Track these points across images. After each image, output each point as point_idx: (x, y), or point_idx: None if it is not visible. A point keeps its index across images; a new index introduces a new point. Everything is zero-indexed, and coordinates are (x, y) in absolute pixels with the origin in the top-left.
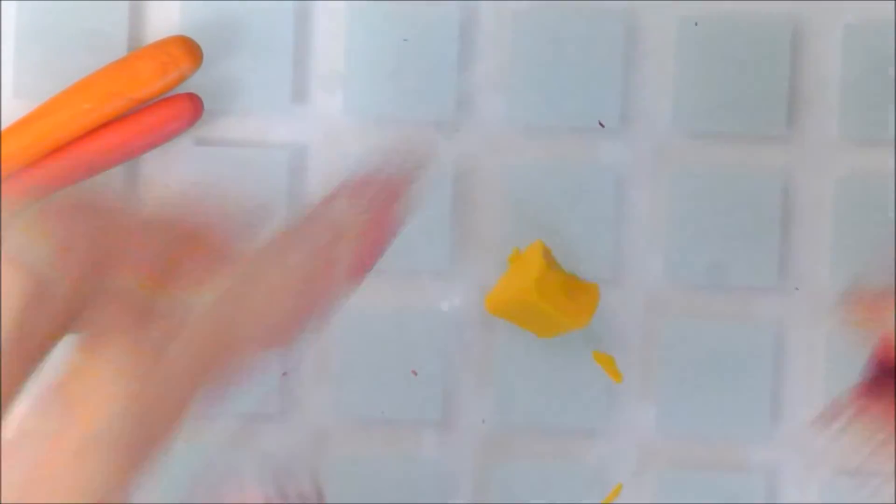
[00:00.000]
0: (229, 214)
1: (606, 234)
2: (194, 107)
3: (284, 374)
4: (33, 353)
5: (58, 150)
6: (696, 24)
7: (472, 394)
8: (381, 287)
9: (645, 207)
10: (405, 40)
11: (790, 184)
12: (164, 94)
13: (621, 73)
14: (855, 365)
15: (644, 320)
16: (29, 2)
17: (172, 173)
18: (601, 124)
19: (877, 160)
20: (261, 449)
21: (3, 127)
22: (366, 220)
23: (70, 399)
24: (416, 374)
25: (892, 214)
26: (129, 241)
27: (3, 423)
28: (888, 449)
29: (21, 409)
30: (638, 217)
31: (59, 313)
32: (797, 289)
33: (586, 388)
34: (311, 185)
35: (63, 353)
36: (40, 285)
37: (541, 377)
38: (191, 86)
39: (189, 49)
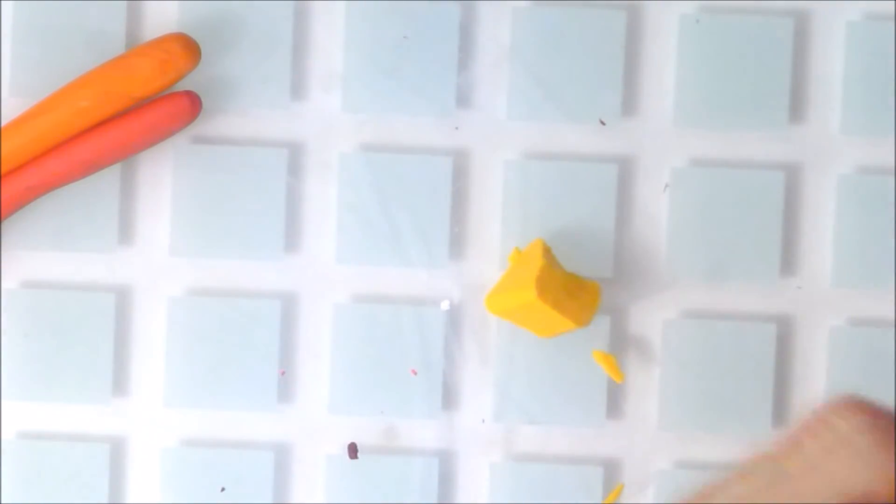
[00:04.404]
0: None
1: (607, 232)
2: (192, 105)
3: (283, 372)
4: None
5: (56, 148)
6: (697, 21)
7: (472, 394)
8: (380, 286)
9: (646, 205)
10: (405, 38)
11: (793, 180)
12: (163, 92)
13: (623, 69)
14: (856, 364)
15: (645, 319)
16: (26, 0)
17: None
18: (602, 122)
19: (879, 156)
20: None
21: (1, 125)
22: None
23: None
24: (415, 373)
25: (895, 210)
26: None
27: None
28: None
29: None
30: (639, 215)
31: None
32: (800, 287)
33: (586, 387)
34: (309, 183)
35: None
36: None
37: (541, 377)
38: (189, 83)
39: (187, 47)
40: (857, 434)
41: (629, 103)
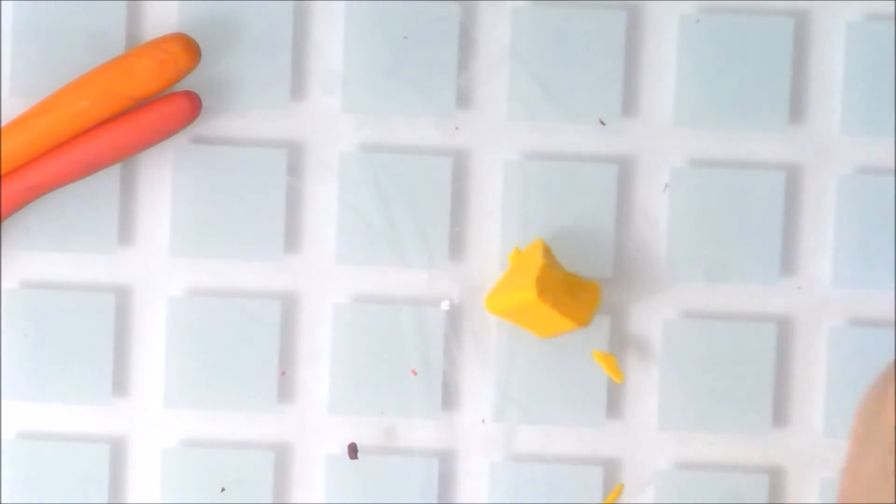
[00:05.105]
0: None
1: (607, 232)
2: (192, 105)
3: (283, 372)
4: None
5: (56, 148)
6: (697, 21)
7: (472, 394)
8: (380, 286)
9: (646, 205)
10: (405, 38)
11: (793, 180)
12: (163, 92)
13: (623, 69)
14: (856, 364)
15: (645, 319)
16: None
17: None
18: (602, 122)
19: (879, 156)
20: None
21: (1, 125)
22: None
23: None
24: (415, 373)
25: (894, 210)
26: None
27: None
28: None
29: None
30: (639, 215)
31: None
32: (799, 288)
33: (586, 387)
34: (309, 183)
35: None
36: None
37: (541, 377)
38: (189, 84)
39: (187, 47)
40: None
41: (629, 103)
